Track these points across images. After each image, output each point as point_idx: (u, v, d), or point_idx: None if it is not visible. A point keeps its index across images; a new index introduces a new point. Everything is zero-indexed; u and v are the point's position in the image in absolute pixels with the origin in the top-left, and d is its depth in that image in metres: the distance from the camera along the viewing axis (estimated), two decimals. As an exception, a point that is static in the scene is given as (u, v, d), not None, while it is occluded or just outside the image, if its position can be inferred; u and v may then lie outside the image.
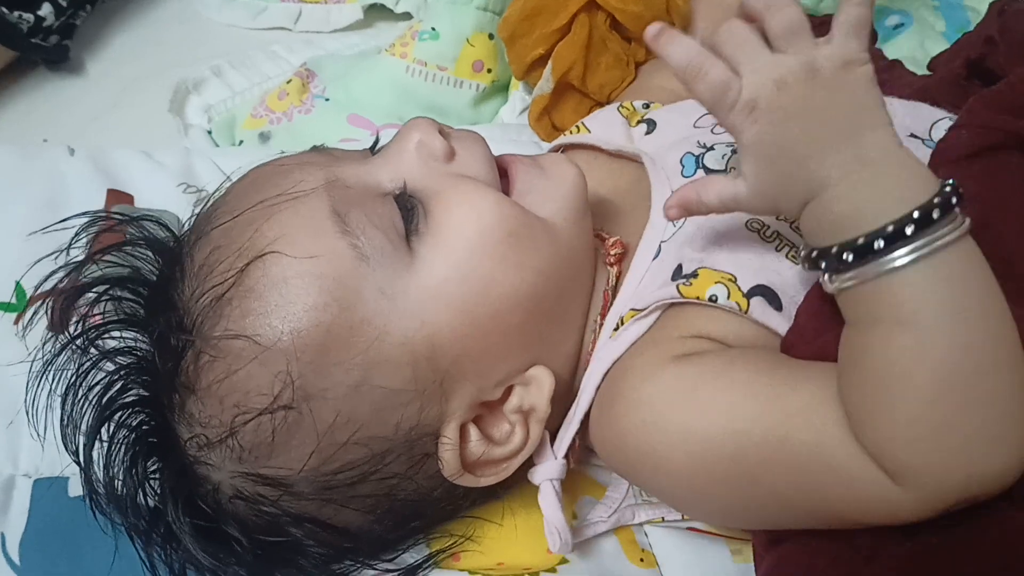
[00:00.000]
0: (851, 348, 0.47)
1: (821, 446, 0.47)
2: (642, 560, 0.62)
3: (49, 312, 0.64)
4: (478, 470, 0.57)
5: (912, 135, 0.60)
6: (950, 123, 0.59)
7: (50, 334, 0.61)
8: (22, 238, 0.69)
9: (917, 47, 0.88)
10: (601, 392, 0.57)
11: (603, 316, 0.60)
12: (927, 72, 0.74)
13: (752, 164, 0.49)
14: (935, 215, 0.44)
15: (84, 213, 0.64)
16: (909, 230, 0.44)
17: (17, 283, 0.70)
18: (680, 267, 0.57)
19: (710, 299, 0.54)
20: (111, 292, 0.58)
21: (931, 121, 0.60)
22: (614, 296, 0.60)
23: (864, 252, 0.45)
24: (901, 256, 0.44)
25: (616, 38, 0.77)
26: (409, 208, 0.56)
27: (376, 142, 0.64)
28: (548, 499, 0.58)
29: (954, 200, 0.45)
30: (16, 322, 0.70)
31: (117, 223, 0.62)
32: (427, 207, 0.56)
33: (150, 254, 0.60)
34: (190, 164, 0.81)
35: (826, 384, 0.48)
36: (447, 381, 0.55)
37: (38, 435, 0.58)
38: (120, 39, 1.00)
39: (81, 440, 0.56)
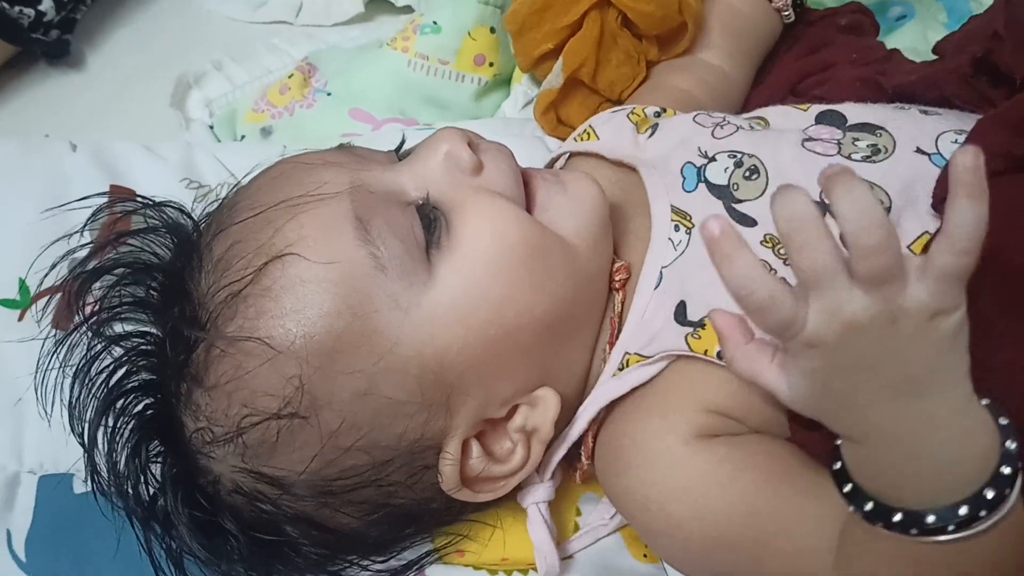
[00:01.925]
0: (852, 548, 0.46)
1: None
2: (645, 556, 0.62)
3: (56, 307, 0.65)
4: (476, 486, 0.57)
5: (919, 150, 0.58)
6: (954, 136, 0.58)
7: (55, 331, 0.62)
8: (24, 234, 0.70)
9: (919, 38, 0.88)
10: (605, 438, 0.57)
11: (611, 345, 0.59)
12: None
13: (798, 385, 0.43)
14: (982, 514, 0.40)
15: (92, 195, 0.64)
16: (951, 527, 0.40)
17: (20, 279, 0.70)
18: (683, 305, 0.56)
19: (718, 355, 0.53)
20: (129, 277, 0.58)
21: (936, 133, 0.59)
22: (620, 324, 0.59)
23: (898, 528, 0.42)
24: (935, 539, 0.41)
25: (627, 35, 0.77)
26: (431, 219, 0.55)
27: (402, 143, 0.63)
28: (535, 524, 0.59)
29: (1007, 491, 0.40)
30: (20, 318, 0.70)
31: (135, 209, 0.62)
32: (449, 220, 0.55)
33: (167, 240, 0.59)
34: (192, 159, 0.81)
35: (826, 529, 0.47)
36: (453, 396, 0.55)
37: (45, 414, 0.58)
38: (120, 33, 1.00)
39: (87, 423, 0.56)
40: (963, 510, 0.40)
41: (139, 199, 0.62)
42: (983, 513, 0.40)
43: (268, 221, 0.54)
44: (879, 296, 0.39)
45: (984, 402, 0.42)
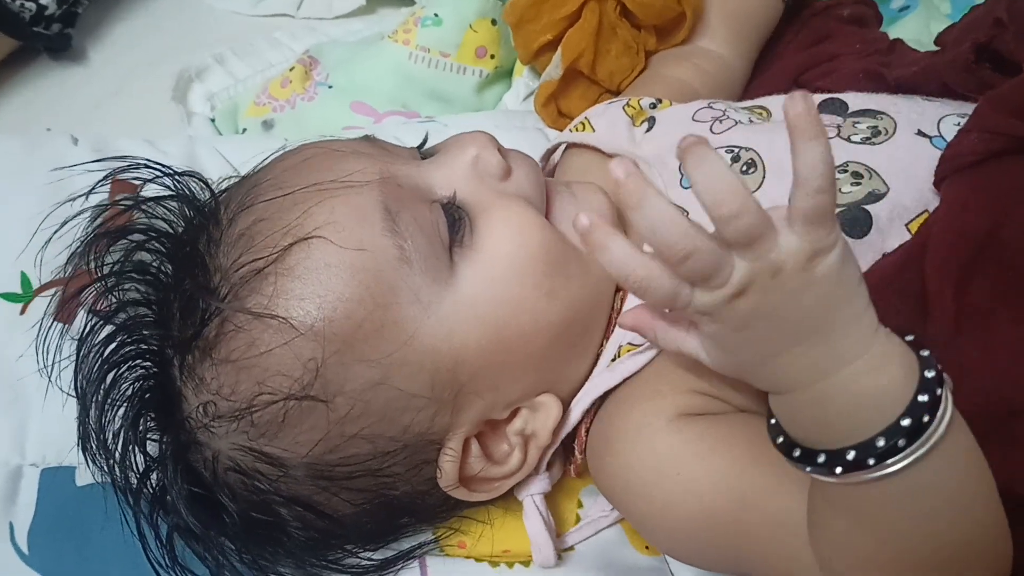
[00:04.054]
0: (813, 512, 0.46)
1: (790, 559, 0.48)
2: (647, 548, 0.62)
3: (58, 300, 0.65)
4: (473, 485, 0.58)
5: (920, 132, 0.58)
6: (957, 119, 0.58)
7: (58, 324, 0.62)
8: (26, 228, 0.69)
9: (923, 29, 0.88)
10: (596, 428, 0.58)
11: (606, 339, 0.60)
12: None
13: (713, 350, 0.45)
14: (900, 443, 0.40)
15: (104, 159, 0.63)
16: (871, 461, 0.40)
17: (22, 273, 0.70)
18: None
19: None
20: (143, 245, 0.58)
21: (938, 117, 0.59)
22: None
23: (823, 471, 0.42)
24: (861, 476, 0.41)
25: (626, 26, 0.77)
26: (456, 219, 0.56)
27: (425, 140, 0.63)
28: (531, 516, 0.60)
29: (926, 418, 0.40)
30: (23, 312, 0.70)
31: (153, 178, 0.61)
32: (474, 222, 0.56)
33: (181, 211, 0.59)
34: (194, 153, 0.81)
35: (803, 502, 0.47)
36: (461, 394, 0.55)
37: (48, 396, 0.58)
38: (122, 27, 1.00)
39: (84, 392, 0.56)
40: (880, 441, 0.40)
41: (153, 164, 0.61)
42: (902, 442, 0.40)
43: (296, 203, 0.55)
44: (753, 256, 0.40)
45: (908, 337, 0.42)
